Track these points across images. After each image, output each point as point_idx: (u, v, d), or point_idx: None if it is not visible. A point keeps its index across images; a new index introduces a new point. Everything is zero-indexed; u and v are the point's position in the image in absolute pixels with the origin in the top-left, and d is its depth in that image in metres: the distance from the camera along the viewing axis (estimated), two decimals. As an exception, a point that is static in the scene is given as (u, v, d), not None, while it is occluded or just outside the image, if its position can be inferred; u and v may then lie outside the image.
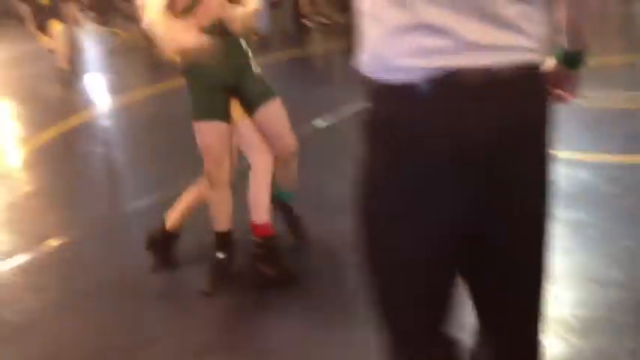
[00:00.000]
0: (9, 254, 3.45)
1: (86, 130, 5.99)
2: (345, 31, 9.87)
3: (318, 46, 9.87)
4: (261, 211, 2.90)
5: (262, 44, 9.38)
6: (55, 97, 7.66)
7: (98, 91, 8.11)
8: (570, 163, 3.65)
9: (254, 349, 2.49)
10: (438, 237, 1.26)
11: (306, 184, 4.01)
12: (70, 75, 7.87)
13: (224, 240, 2.86)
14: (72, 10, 8.84)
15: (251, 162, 2.97)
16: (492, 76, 1.15)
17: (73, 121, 6.14)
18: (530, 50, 1.19)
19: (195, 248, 3.33)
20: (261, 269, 2.87)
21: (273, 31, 9.64)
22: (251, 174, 2.94)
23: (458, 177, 1.20)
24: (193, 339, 2.57)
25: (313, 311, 2.65)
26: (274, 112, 2.85)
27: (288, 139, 2.92)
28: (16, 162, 5.21)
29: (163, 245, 3.07)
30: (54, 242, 3.53)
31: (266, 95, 2.82)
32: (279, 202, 3.17)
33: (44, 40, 8.15)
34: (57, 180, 4.57)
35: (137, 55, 10.12)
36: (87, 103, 7.38)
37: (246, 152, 3.00)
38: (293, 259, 3.04)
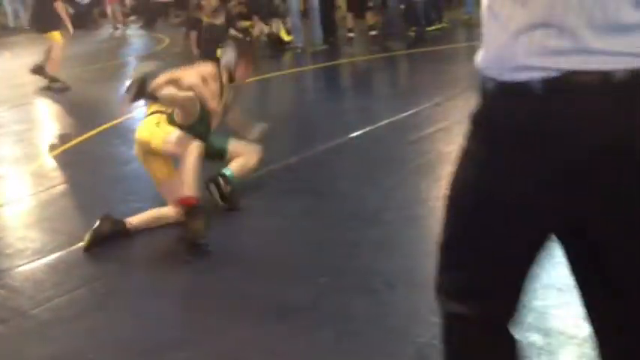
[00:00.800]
0: (40, 252, 3.48)
1: (121, 131, 6.05)
2: (381, 42, 9.98)
3: (356, 56, 9.87)
4: (186, 188, 3.41)
5: (299, 55, 9.48)
6: (91, 100, 7.77)
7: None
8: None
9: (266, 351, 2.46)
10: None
11: (343, 194, 4.03)
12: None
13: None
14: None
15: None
16: (609, 80, 1.16)
17: (109, 123, 6.21)
18: None
19: (225, 252, 3.35)
20: (190, 227, 3.31)
21: (306, 42, 9.70)
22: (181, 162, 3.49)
23: (567, 177, 1.23)
24: (223, 342, 2.55)
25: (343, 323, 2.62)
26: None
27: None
28: (51, 162, 5.27)
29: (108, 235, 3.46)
30: (83, 241, 3.55)
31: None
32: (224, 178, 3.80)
33: None
34: (90, 180, 4.61)
35: (177, 60, 10.26)
36: (121, 106, 7.48)
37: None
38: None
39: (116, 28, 15.52)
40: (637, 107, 1.18)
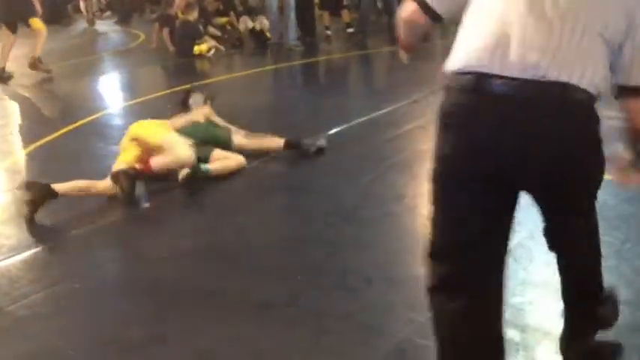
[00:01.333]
0: (15, 249, 3.45)
1: (96, 128, 6.01)
2: (358, 40, 10.01)
3: (333, 53, 9.89)
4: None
5: (276, 53, 9.47)
6: (66, 95, 7.71)
7: (111, 90, 8.16)
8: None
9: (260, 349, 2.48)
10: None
11: (320, 191, 4.06)
12: None
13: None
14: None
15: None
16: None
17: (85, 119, 6.16)
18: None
19: (204, 248, 3.36)
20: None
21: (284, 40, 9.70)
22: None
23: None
24: (202, 339, 2.56)
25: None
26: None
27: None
28: (25, 157, 5.22)
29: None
30: (60, 238, 3.54)
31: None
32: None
33: None
34: (65, 176, 4.55)
35: (153, 56, 10.20)
36: (99, 102, 7.43)
37: None
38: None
39: (91, 24, 15.36)
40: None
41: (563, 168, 1.77)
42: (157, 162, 4.05)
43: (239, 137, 4.64)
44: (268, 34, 10.06)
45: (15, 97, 7.88)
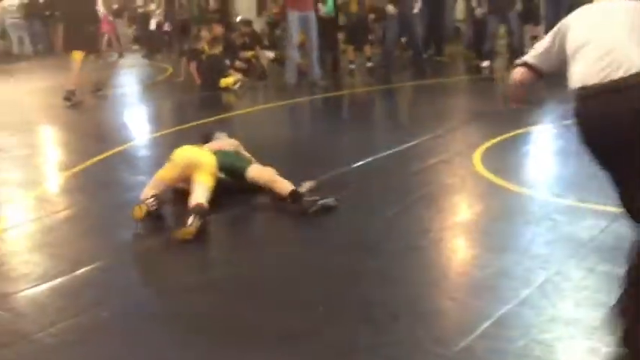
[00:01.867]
0: (43, 277, 3.48)
1: (125, 157, 6.10)
2: (380, 74, 10.09)
3: (356, 87, 9.98)
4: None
5: (300, 87, 9.57)
6: (95, 126, 7.84)
7: (139, 122, 8.28)
8: (606, 215, 3.62)
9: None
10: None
11: (344, 224, 4.06)
12: None
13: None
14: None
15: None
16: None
17: (113, 149, 6.25)
18: None
19: (227, 278, 3.37)
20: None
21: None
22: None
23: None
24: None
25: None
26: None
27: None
28: (54, 187, 5.30)
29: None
30: (88, 266, 3.57)
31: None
32: None
33: None
34: (93, 206, 4.63)
35: (180, 89, 10.36)
36: (126, 133, 7.54)
37: None
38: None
39: (120, 56, 15.69)
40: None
41: None
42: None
43: (254, 171, 4.52)
44: None
45: (45, 127, 8.03)
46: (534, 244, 3.55)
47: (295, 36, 9.38)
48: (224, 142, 4.84)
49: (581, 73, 2.55)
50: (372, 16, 11.26)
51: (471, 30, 11.81)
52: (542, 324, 2.74)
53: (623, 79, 2.40)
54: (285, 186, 4.30)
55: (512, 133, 5.87)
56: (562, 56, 2.70)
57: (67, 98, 8.76)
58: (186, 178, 4.26)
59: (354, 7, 10.59)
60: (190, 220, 3.85)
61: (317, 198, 4.16)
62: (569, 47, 2.66)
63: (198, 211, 3.91)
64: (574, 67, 2.59)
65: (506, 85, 3.38)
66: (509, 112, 7.05)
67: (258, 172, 4.50)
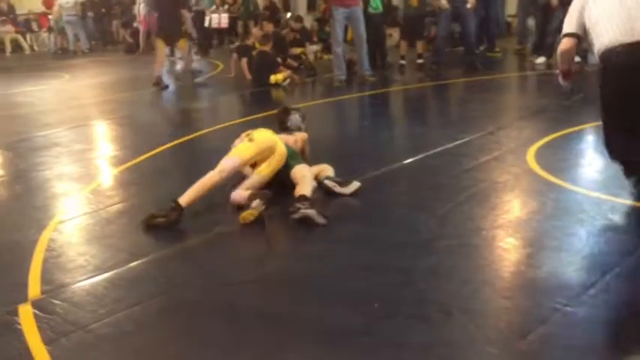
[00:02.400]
0: (100, 268, 3.57)
1: (178, 152, 6.19)
2: (432, 70, 10.00)
3: (407, 83, 9.91)
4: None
5: (349, 83, 9.56)
6: (148, 121, 7.98)
7: (191, 118, 8.40)
8: None
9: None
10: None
11: (395, 220, 4.05)
12: None
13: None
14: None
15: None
16: None
17: (167, 144, 6.36)
18: None
19: (277, 275, 3.39)
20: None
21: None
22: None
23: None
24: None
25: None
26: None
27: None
28: (110, 180, 5.42)
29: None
30: (143, 258, 3.64)
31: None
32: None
33: None
34: (147, 199, 4.71)
35: (231, 85, 10.48)
36: (178, 128, 7.66)
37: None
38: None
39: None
40: None
41: None
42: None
43: (296, 170, 4.51)
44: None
45: (100, 122, 8.22)
46: (589, 244, 3.48)
47: (340, 32, 9.36)
48: (296, 136, 4.94)
49: (611, 36, 3.47)
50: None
51: (521, 25, 11.61)
52: (598, 326, 2.68)
53: None
54: (300, 189, 4.25)
55: (566, 131, 5.75)
56: (583, 26, 3.72)
57: (155, 84, 9.98)
58: (256, 162, 4.47)
59: (414, 2, 10.46)
60: (255, 203, 4.05)
61: (305, 207, 4.03)
62: (590, 18, 3.64)
63: (262, 195, 4.12)
64: (601, 33, 3.55)
65: (558, 58, 4.10)
66: (563, 109, 6.93)
67: (298, 171, 4.50)
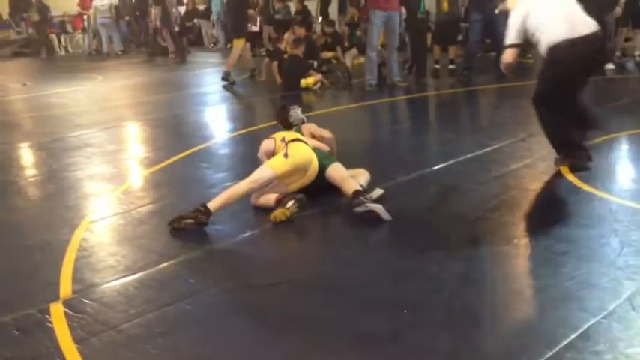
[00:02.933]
0: (130, 268, 3.61)
1: (208, 155, 6.24)
2: (463, 76, 9.93)
3: (439, 89, 9.85)
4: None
5: (381, 87, 9.53)
6: (179, 123, 8.05)
7: (221, 120, 8.45)
8: None
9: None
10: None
11: (424, 226, 4.03)
12: None
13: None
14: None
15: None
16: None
17: (197, 146, 6.41)
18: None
19: (306, 277, 3.39)
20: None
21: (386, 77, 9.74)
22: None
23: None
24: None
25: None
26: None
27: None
28: (141, 182, 5.47)
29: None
30: (173, 260, 3.67)
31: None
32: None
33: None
34: (178, 201, 4.75)
35: (262, 88, 10.53)
36: (209, 131, 7.71)
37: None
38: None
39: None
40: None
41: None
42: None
43: (331, 169, 4.56)
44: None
45: (132, 123, 8.31)
46: (622, 254, 3.42)
47: (376, 36, 9.28)
48: (307, 128, 5.01)
49: (557, 34, 4.57)
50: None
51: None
52: (630, 338, 2.64)
53: (584, 35, 4.55)
54: (351, 186, 4.28)
55: (600, 139, 5.67)
56: (524, 34, 4.80)
57: (224, 78, 10.71)
58: (291, 176, 4.43)
59: (445, 7, 10.38)
60: (290, 204, 4.09)
61: (369, 201, 4.13)
62: (534, 23, 4.69)
63: (299, 199, 4.16)
64: (547, 32, 4.63)
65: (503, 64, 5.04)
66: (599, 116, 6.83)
67: (333, 170, 4.52)
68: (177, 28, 16.78)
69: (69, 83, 12.33)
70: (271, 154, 4.59)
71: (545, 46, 4.67)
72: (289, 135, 4.67)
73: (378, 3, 9.05)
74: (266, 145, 4.71)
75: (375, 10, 9.08)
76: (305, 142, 4.60)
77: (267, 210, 4.27)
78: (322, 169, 4.54)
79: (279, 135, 4.70)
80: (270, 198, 4.32)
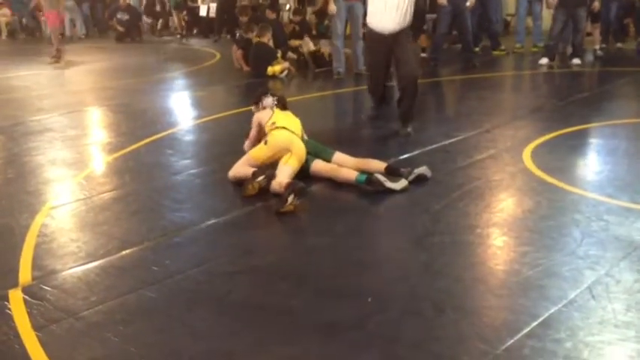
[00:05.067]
0: (92, 255, 3.55)
1: (172, 141, 6.16)
2: (433, 67, 9.97)
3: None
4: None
5: (344, 78, 9.51)
6: (143, 109, 7.94)
7: (185, 107, 8.36)
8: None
9: None
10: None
11: (390, 215, 4.04)
12: None
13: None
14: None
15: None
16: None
17: (161, 133, 6.33)
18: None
19: (273, 267, 3.38)
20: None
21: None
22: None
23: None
24: (269, 357, 2.57)
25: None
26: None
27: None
28: (103, 167, 5.39)
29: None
30: (135, 247, 3.63)
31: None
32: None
33: None
34: (141, 187, 4.69)
35: (227, 75, 10.43)
36: (173, 117, 7.62)
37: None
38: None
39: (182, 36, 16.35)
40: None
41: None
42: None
43: (339, 157, 4.89)
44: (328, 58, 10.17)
45: (94, 108, 8.17)
46: (584, 245, 3.47)
47: (340, 26, 9.34)
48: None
49: (372, 22, 6.00)
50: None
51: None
52: (590, 326, 2.68)
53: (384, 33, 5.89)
54: (376, 165, 4.67)
55: (564, 131, 5.75)
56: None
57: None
58: (276, 160, 4.62)
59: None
60: (290, 199, 4.08)
61: (410, 169, 4.55)
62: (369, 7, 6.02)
63: (297, 189, 4.14)
64: (372, 21, 6.04)
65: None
66: (560, 109, 6.94)
67: (340, 159, 4.82)
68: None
69: (30, 66, 12.08)
70: (261, 125, 4.93)
71: (367, 27, 6.26)
72: (281, 119, 4.85)
73: None
74: (261, 115, 4.98)
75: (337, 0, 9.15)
76: (292, 131, 4.77)
77: (234, 195, 4.23)
78: (327, 159, 4.80)
79: (276, 116, 4.91)
80: (248, 171, 4.48)
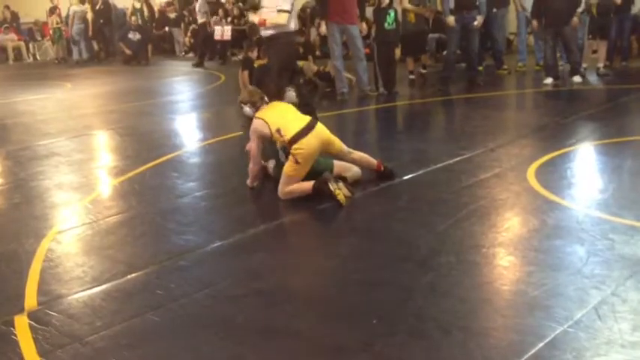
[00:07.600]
0: (97, 279, 3.56)
1: (177, 164, 6.19)
2: (437, 85, 10.01)
3: (412, 98, 9.91)
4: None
5: (364, 99, 9.56)
6: (149, 132, 7.98)
7: (190, 129, 8.40)
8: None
9: None
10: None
11: (395, 236, 4.04)
12: None
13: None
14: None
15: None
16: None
17: (166, 156, 6.36)
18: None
19: (278, 290, 3.37)
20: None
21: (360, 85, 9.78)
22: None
23: None
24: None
25: None
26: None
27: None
28: (109, 191, 5.41)
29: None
30: (141, 271, 3.63)
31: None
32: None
33: None
34: (147, 211, 4.71)
35: (231, 97, 10.47)
36: (179, 140, 7.65)
37: None
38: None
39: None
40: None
41: None
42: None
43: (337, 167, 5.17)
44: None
45: (100, 132, 8.22)
46: (589, 264, 3.46)
47: (335, 47, 9.43)
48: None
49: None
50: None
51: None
52: (597, 347, 2.66)
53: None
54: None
55: (568, 149, 5.75)
56: None
57: None
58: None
59: (412, 17, 10.49)
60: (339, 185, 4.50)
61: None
62: None
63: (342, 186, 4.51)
64: None
65: None
66: (564, 127, 6.93)
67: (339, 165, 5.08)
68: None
69: (37, 91, 12.17)
70: (266, 139, 4.89)
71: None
72: (281, 119, 4.82)
73: (334, 17, 9.25)
74: (260, 127, 4.85)
75: (332, 22, 9.25)
76: (301, 127, 4.79)
77: (239, 217, 4.24)
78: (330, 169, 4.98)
79: (271, 119, 4.82)
80: (304, 186, 4.62)
